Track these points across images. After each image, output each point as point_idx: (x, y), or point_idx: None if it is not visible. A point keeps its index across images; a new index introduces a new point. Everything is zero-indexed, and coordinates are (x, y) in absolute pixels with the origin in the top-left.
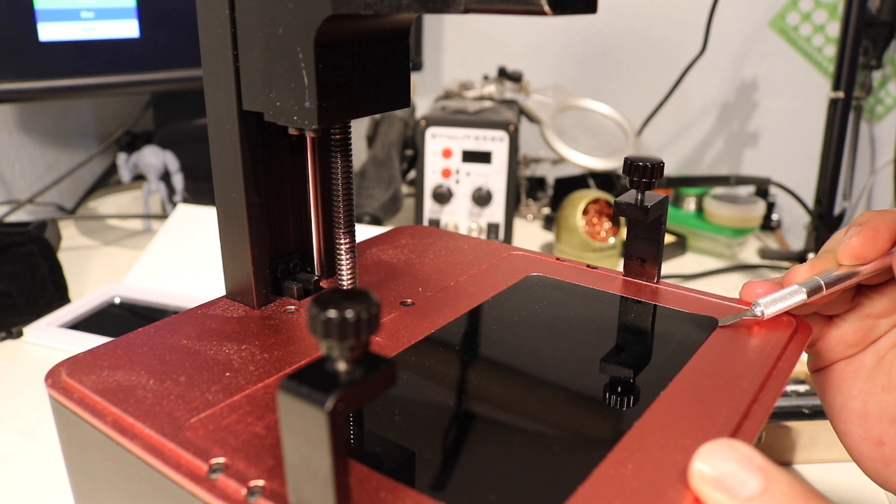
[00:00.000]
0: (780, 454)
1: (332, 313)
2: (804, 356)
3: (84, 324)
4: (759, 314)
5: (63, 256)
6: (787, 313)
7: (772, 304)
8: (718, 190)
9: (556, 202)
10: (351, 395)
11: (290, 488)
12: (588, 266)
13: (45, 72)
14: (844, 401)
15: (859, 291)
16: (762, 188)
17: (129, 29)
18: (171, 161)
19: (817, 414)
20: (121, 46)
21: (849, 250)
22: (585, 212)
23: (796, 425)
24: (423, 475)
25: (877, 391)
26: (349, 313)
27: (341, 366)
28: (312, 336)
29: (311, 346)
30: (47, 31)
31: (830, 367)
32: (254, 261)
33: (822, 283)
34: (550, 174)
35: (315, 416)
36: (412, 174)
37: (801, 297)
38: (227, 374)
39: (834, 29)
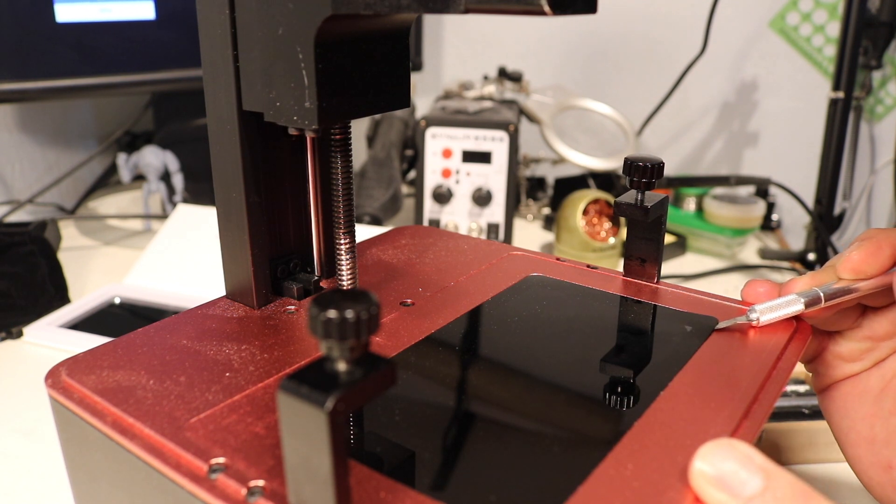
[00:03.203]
0: (780, 454)
1: (332, 313)
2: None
3: (84, 324)
4: (755, 320)
5: (63, 256)
6: None
7: (768, 312)
8: (718, 190)
9: (556, 202)
10: (351, 396)
11: (290, 488)
12: (588, 266)
13: (46, 72)
14: (852, 424)
15: (863, 313)
16: (762, 188)
17: (145, 10)
18: (171, 161)
19: (817, 414)
20: (137, 29)
21: (848, 264)
22: (585, 212)
23: (796, 425)
24: (423, 475)
25: (884, 415)
26: (349, 313)
27: (341, 366)
28: (312, 336)
29: (311, 346)
30: (65, 13)
31: (835, 388)
32: (254, 261)
33: (821, 294)
34: (550, 174)
35: (315, 416)
36: (412, 174)
37: (799, 307)
38: (227, 374)
39: (834, 29)
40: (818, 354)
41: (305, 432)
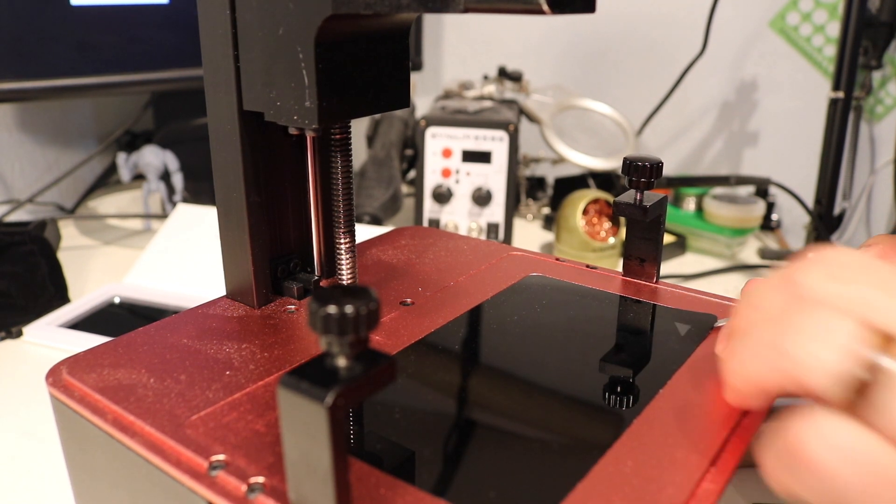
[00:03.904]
0: None
1: (331, 308)
2: None
3: (84, 323)
4: None
5: (63, 256)
6: None
7: None
8: (718, 190)
9: (556, 202)
10: (351, 391)
11: (289, 485)
12: (587, 266)
13: (46, 71)
14: None
15: None
16: (762, 188)
17: None
18: (170, 161)
19: None
20: (150, 14)
21: None
22: (585, 212)
23: None
24: (422, 472)
25: None
26: (349, 308)
27: (341, 361)
28: (312, 331)
29: (311, 345)
30: None
31: None
32: (254, 260)
33: None
34: (550, 174)
35: (315, 411)
36: (412, 174)
37: None
38: (228, 372)
39: (834, 29)
40: None
41: (305, 428)
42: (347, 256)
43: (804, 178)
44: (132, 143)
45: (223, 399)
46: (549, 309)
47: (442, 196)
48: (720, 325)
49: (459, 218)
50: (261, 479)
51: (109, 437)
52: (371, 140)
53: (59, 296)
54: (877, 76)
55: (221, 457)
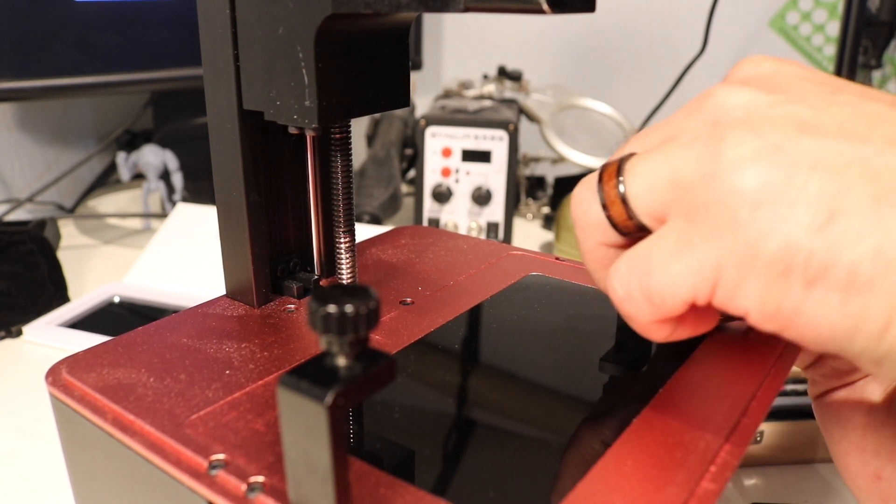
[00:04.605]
0: (780, 453)
1: (331, 308)
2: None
3: (83, 323)
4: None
5: (62, 255)
6: None
7: None
8: None
9: (556, 201)
10: (350, 390)
11: (289, 484)
12: None
13: (45, 70)
14: (844, 433)
15: None
16: None
17: None
18: (170, 160)
19: None
20: (152, 10)
21: None
22: None
23: (797, 424)
24: (422, 472)
25: (876, 425)
26: (349, 308)
27: (341, 361)
28: (312, 331)
29: (310, 344)
30: None
31: (830, 395)
32: (254, 260)
33: None
34: (550, 173)
35: (315, 410)
36: (412, 173)
37: None
38: (227, 371)
39: (834, 28)
40: (816, 361)
41: (305, 427)
42: (347, 256)
43: None
44: (132, 142)
45: (223, 398)
46: (549, 308)
47: (442, 195)
48: (721, 325)
49: (459, 217)
50: (260, 479)
51: (109, 436)
52: (371, 139)
53: (59, 295)
54: (876, 76)
55: (221, 456)
